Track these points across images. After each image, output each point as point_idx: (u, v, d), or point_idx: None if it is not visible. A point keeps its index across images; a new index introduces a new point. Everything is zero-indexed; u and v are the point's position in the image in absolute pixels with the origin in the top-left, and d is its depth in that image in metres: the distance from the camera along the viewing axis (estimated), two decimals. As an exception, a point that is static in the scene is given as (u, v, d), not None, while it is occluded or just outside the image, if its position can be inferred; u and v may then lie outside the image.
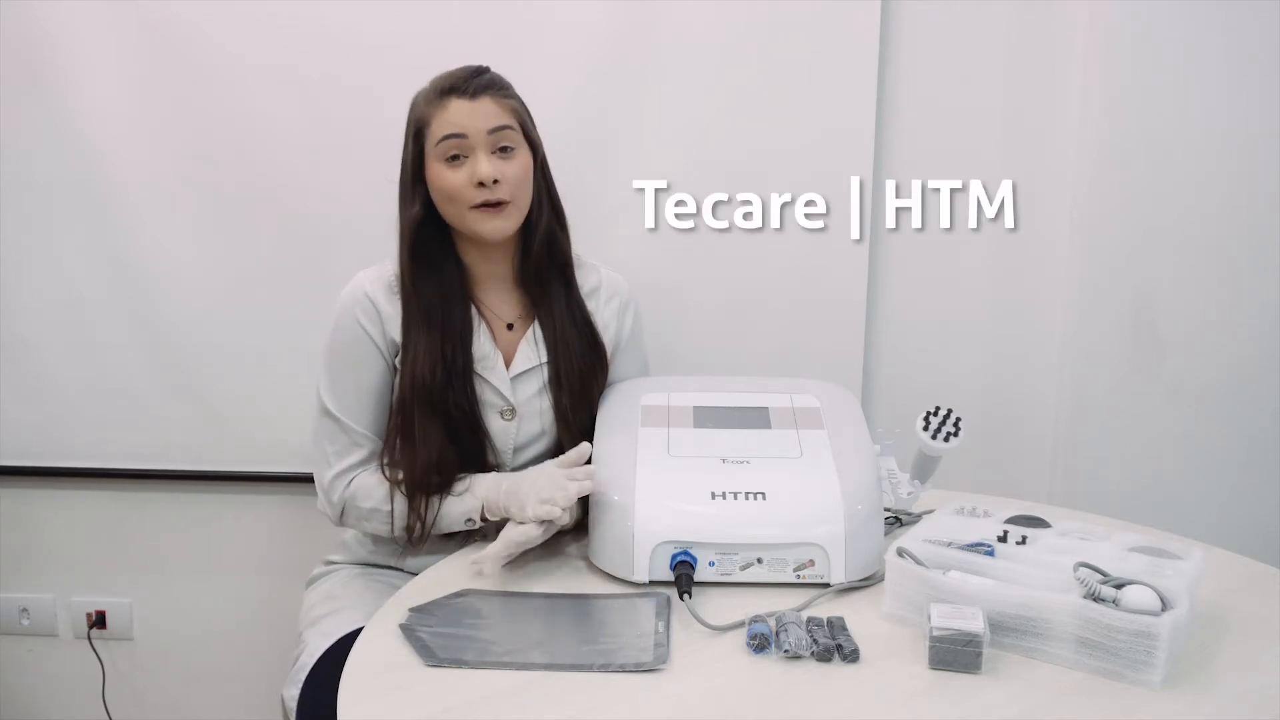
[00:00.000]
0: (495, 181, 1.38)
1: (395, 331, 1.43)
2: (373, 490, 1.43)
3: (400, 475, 1.41)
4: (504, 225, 1.41)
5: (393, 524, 1.42)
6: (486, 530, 1.46)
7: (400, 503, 1.40)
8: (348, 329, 1.44)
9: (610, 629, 1.16)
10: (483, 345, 1.45)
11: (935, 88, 1.89)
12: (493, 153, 1.39)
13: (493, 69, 1.44)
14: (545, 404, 1.47)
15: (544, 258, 1.48)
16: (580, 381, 1.48)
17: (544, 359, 1.47)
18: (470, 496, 1.38)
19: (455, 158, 1.39)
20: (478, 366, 1.44)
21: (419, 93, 1.43)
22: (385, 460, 1.44)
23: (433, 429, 1.40)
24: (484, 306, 1.47)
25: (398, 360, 1.44)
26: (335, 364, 1.45)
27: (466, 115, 1.38)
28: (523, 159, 1.42)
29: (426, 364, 1.40)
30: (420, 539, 1.41)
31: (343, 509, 1.45)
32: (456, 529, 1.41)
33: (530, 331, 1.48)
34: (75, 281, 1.91)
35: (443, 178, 1.39)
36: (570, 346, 1.47)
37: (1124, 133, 1.84)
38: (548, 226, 1.47)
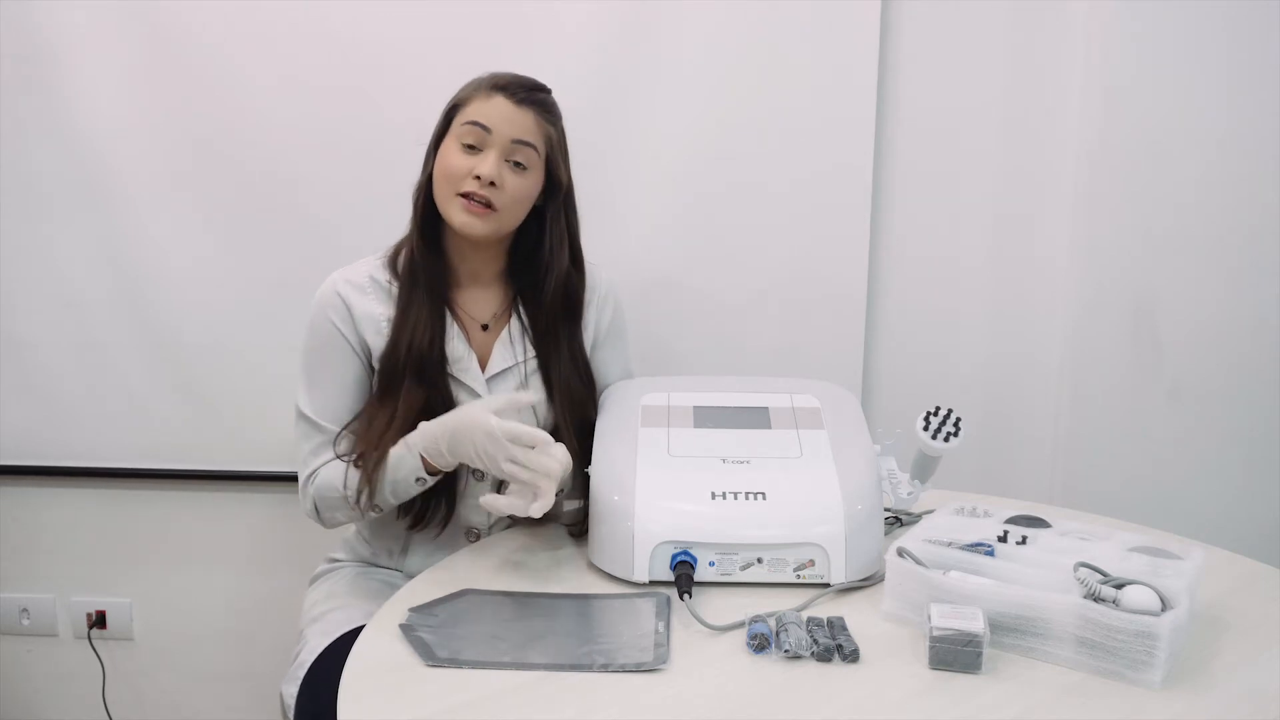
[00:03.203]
0: (491, 184, 1.37)
1: (367, 332, 1.43)
2: (329, 477, 1.40)
3: (356, 447, 1.38)
4: (477, 225, 1.39)
5: (345, 492, 1.37)
6: (479, 529, 1.46)
7: (350, 471, 1.37)
8: (321, 328, 1.43)
9: (610, 629, 1.16)
10: (456, 348, 1.44)
11: (935, 88, 1.89)
12: (506, 160, 1.39)
13: (552, 93, 1.44)
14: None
15: (558, 307, 1.47)
16: (580, 422, 1.47)
17: (520, 358, 1.47)
18: (406, 451, 1.33)
19: (471, 146, 1.38)
20: (453, 369, 1.43)
21: (476, 76, 1.43)
22: (339, 449, 1.41)
23: (417, 397, 1.38)
24: (459, 308, 1.47)
25: (373, 360, 1.43)
26: (309, 364, 1.45)
27: (501, 114, 1.38)
28: (530, 182, 1.41)
29: (425, 335, 1.40)
30: (369, 499, 1.36)
31: (314, 504, 1.44)
32: (411, 490, 1.36)
33: (506, 332, 1.48)
34: (75, 281, 1.91)
35: (448, 156, 1.39)
36: (572, 394, 1.47)
37: (1124, 132, 1.84)
38: (566, 272, 1.47)
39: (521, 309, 1.49)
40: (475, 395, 1.44)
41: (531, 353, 1.48)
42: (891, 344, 1.96)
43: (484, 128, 1.38)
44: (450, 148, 1.39)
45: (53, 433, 1.96)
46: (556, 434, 1.46)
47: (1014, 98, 1.89)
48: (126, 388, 1.94)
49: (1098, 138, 1.85)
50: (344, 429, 1.43)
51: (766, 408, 1.44)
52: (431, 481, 1.36)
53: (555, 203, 1.45)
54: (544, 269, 1.46)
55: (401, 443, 1.35)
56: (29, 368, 1.94)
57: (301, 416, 1.45)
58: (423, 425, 1.34)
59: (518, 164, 1.39)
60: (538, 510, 1.23)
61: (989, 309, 1.96)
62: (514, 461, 1.24)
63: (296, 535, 1.97)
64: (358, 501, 1.36)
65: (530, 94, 1.41)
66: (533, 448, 1.25)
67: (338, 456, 1.42)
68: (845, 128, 1.87)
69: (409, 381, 1.39)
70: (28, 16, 1.81)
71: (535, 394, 1.40)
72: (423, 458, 1.33)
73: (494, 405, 1.28)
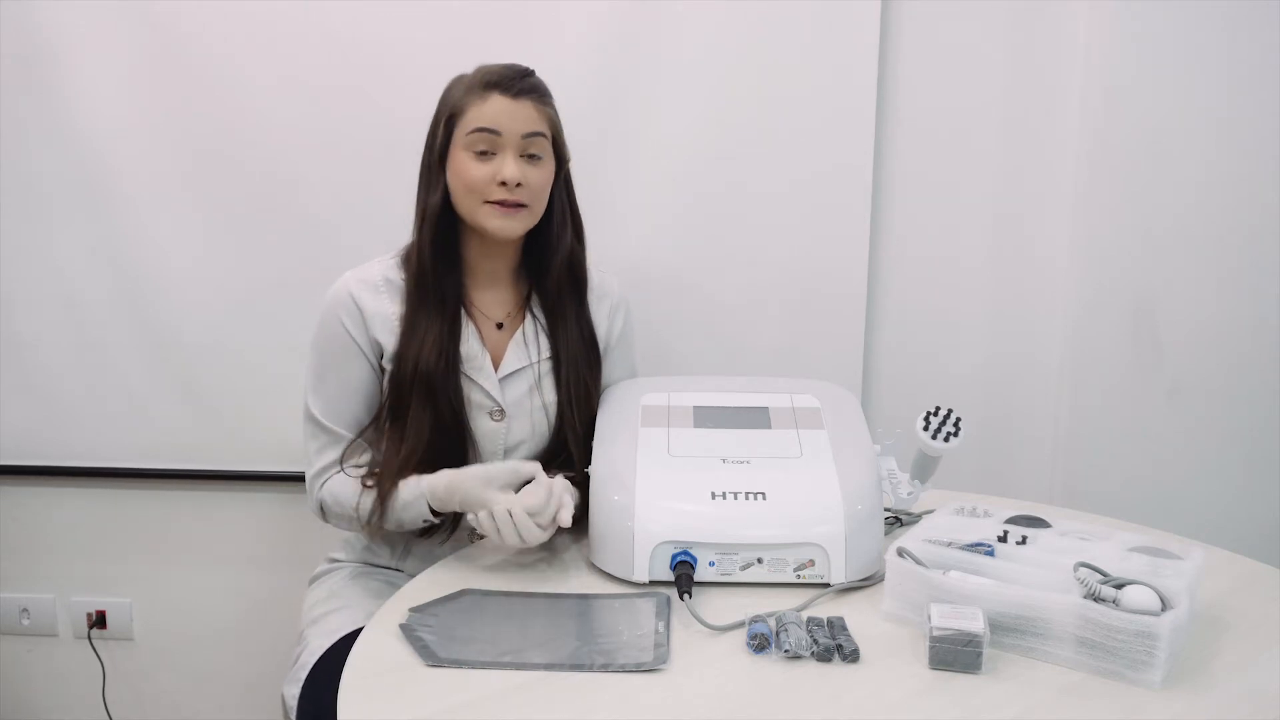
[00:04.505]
0: (519, 185, 1.38)
1: (379, 332, 1.43)
2: (340, 491, 1.42)
3: (376, 463, 1.40)
4: (514, 226, 1.40)
5: (357, 515, 1.39)
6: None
7: (364, 495, 1.39)
8: (331, 329, 1.43)
9: (610, 629, 1.16)
10: (470, 346, 1.44)
11: (935, 88, 1.89)
12: (521, 156, 1.39)
13: (536, 73, 1.44)
14: (536, 404, 1.47)
15: (565, 278, 1.48)
16: (586, 399, 1.48)
17: (534, 359, 1.47)
18: (416, 496, 1.35)
19: (483, 152, 1.39)
20: (465, 367, 1.43)
21: (457, 79, 1.43)
22: (356, 459, 1.42)
23: (424, 419, 1.39)
24: (473, 306, 1.47)
25: (384, 360, 1.43)
26: (317, 365, 1.45)
27: (505, 114, 1.38)
28: (547, 169, 1.42)
29: (433, 351, 1.40)
30: (378, 524, 1.38)
31: (321, 507, 1.45)
32: (416, 525, 1.39)
33: (520, 332, 1.48)
34: (75, 281, 1.91)
35: (466, 168, 1.39)
36: (579, 373, 1.48)
37: (1124, 132, 1.84)
38: (570, 246, 1.47)
39: (535, 306, 1.49)
40: (487, 394, 1.44)
41: (546, 353, 1.48)
42: (891, 344, 1.96)
43: (494, 132, 1.38)
44: (463, 160, 1.39)
45: (53, 433, 1.96)
46: (560, 435, 1.47)
47: (1014, 98, 1.89)
48: (126, 388, 1.94)
49: (1098, 138, 1.85)
50: (357, 437, 1.43)
51: (766, 408, 1.44)
52: (438, 521, 1.39)
53: (558, 180, 1.46)
54: (550, 246, 1.47)
55: (413, 484, 1.35)
56: (29, 368, 1.94)
57: (310, 416, 1.45)
58: (440, 478, 1.34)
59: (532, 155, 1.40)
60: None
61: (989, 309, 1.96)
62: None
63: (297, 535, 1.98)
64: (368, 523, 1.39)
65: (523, 82, 1.40)
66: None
67: (343, 468, 1.42)
68: (845, 128, 1.87)
69: (417, 401, 1.39)
70: (28, 16, 1.81)
71: (535, 465, 1.32)
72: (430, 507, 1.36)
73: (497, 480, 1.28)
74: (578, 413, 1.47)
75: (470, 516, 1.30)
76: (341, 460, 1.43)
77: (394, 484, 1.37)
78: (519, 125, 1.38)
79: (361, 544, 1.55)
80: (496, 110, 1.38)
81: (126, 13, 1.81)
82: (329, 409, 1.44)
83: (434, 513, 1.36)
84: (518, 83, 1.40)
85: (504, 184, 1.37)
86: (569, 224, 1.48)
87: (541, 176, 1.41)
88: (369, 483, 1.39)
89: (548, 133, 1.41)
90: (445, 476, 1.35)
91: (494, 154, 1.38)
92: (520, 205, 1.39)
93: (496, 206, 1.39)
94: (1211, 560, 1.21)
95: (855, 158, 1.87)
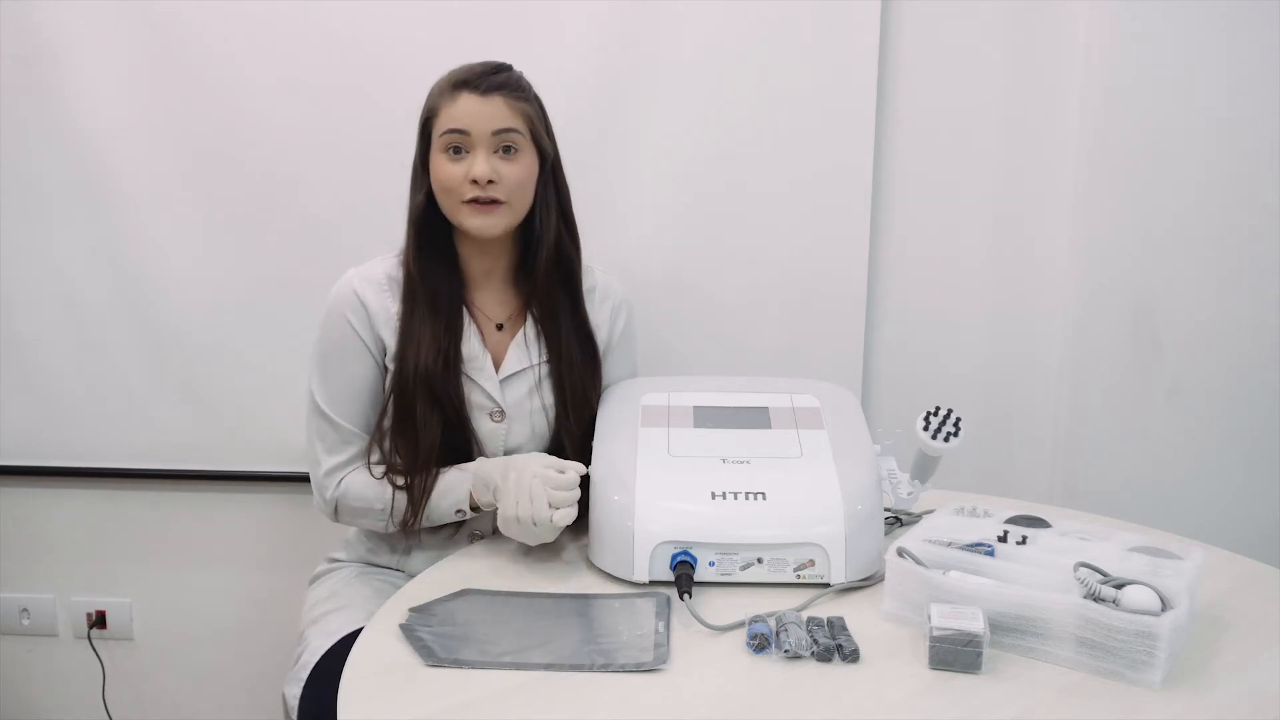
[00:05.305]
0: (490, 181, 1.38)
1: (384, 330, 1.43)
2: (363, 490, 1.43)
3: (397, 464, 1.41)
4: (492, 224, 1.40)
5: (391, 515, 1.41)
6: (482, 530, 1.47)
7: (396, 494, 1.40)
8: (336, 327, 1.44)
9: (610, 629, 1.16)
10: (472, 346, 1.45)
11: (935, 88, 1.89)
12: (495, 152, 1.39)
13: (514, 68, 1.44)
14: (536, 405, 1.47)
15: (554, 274, 1.47)
16: (583, 398, 1.48)
17: (535, 361, 1.47)
18: (455, 482, 1.38)
19: (457, 150, 1.39)
20: (466, 368, 1.44)
21: (437, 80, 1.43)
22: (372, 458, 1.44)
23: (432, 418, 1.40)
24: (475, 307, 1.47)
25: (387, 359, 1.44)
26: (324, 362, 1.45)
27: (473, 112, 1.38)
28: (526, 162, 1.41)
29: (430, 352, 1.40)
30: (413, 524, 1.40)
31: (336, 506, 1.46)
32: (447, 519, 1.41)
33: (521, 333, 1.48)
34: (75, 281, 1.91)
35: (441, 169, 1.40)
36: (574, 367, 1.47)
37: (1124, 132, 1.84)
38: (556, 239, 1.46)
39: (534, 308, 1.49)
40: (488, 395, 1.45)
41: (546, 355, 1.48)
42: (891, 344, 1.96)
43: (461, 131, 1.38)
44: (439, 161, 1.40)
45: (53, 433, 1.96)
46: (559, 437, 1.48)
47: (1014, 98, 1.89)
48: (126, 388, 1.94)
49: (1098, 138, 1.85)
50: (372, 436, 1.44)
51: (766, 408, 1.44)
52: (469, 516, 1.41)
53: (544, 174, 1.45)
54: (536, 240, 1.46)
55: (454, 471, 1.39)
56: (29, 368, 1.94)
57: (317, 413, 1.45)
58: (486, 460, 1.39)
59: (506, 149, 1.39)
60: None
61: (989, 309, 1.96)
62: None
63: (297, 535, 1.98)
64: (402, 525, 1.40)
65: (492, 79, 1.40)
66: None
67: (369, 466, 1.43)
68: (845, 128, 1.86)
69: (422, 403, 1.40)
70: (28, 16, 1.81)
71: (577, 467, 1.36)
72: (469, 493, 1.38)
73: (546, 461, 1.33)
74: (574, 414, 1.47)
75: (497, 477, 1.33)
76: (369, 461, 1.44)
77: (425, 479, 1.39)
78: (489, 123, 1.38)
79: (363, 544, 1.55)
80: (465, 109, 1.38)
81: (126, 13, 1.81)
82: (338, 408, 1.44)
83: (470, 507, 1.39)
84: (486, 79, 1.39)
85: (475, 182, 1.37)
86: (554, 218, 1.46)
87: (518, 171, 1.40)
88: (400, 482, 1.40)
89: (522, 128, 1.40)
90: (492, 460, 1.39)
91: (467, 152, 1.39)
92: (496, 202, 1.39)
93: (473, 205, 1.39)
94: (1211, 560, 1.21)
95: (855, 158, 1.87)
